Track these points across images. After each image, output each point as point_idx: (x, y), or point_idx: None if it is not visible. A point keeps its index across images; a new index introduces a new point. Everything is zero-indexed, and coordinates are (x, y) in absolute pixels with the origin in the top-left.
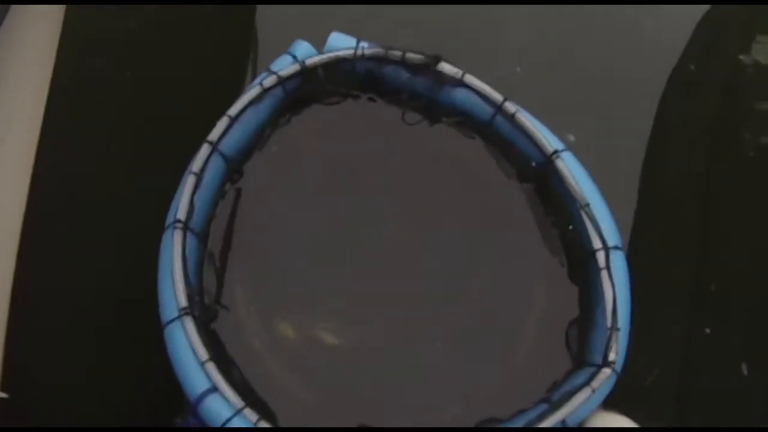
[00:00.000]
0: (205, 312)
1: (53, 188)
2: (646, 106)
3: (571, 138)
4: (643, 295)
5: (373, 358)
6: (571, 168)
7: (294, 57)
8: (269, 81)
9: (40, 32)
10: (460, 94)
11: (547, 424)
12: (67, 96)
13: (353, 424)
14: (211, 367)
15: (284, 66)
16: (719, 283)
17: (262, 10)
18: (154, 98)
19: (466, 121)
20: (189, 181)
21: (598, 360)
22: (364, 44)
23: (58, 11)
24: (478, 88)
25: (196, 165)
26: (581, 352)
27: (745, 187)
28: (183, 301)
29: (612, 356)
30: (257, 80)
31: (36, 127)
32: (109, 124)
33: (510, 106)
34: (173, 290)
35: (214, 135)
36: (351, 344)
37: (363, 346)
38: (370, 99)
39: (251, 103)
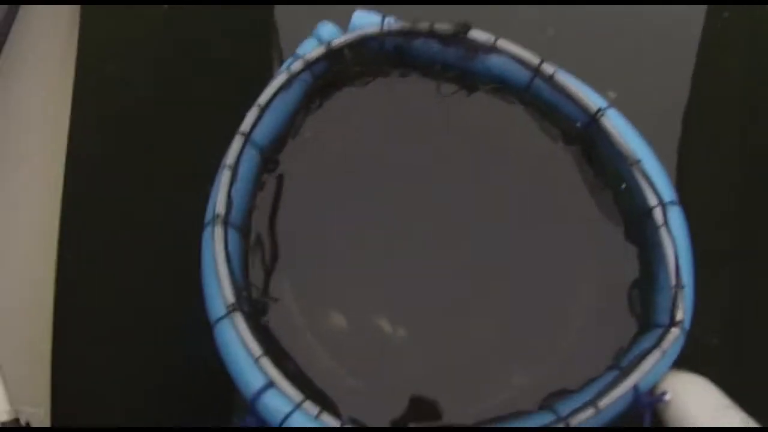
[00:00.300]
0: (253, 307)
1: (88, 190)
2: (683, 55)
3: (612, 95)
4: (700, 250)
5: (429, 340)
6: (617, 125)
7: (319, 39)
8: (296, 66)
9: (58, 36)
10: (494, 61)
11: (619, 391)
12: (91, 97)
13: (413, 410)
14: (265, 362)
15: (310, 49)
16: None
17: None
18: (183, 95)
19: (504, 88)
20: (225, 176)
21: (665, 320)
22: (390, 19)
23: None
24: (513, 52)
25: (230, 158)
26: (646, 313)
27: None
28: (230, 298)
29: (679, 315)
30: (284, 66)
31: (64, 129)
32: (140, 124)
33: (548, 68)
34: (219, 287)
35: (245, 126)
36: (405, 329)
37: (417, 330)
38: (402, 75)
39: (280, 90)
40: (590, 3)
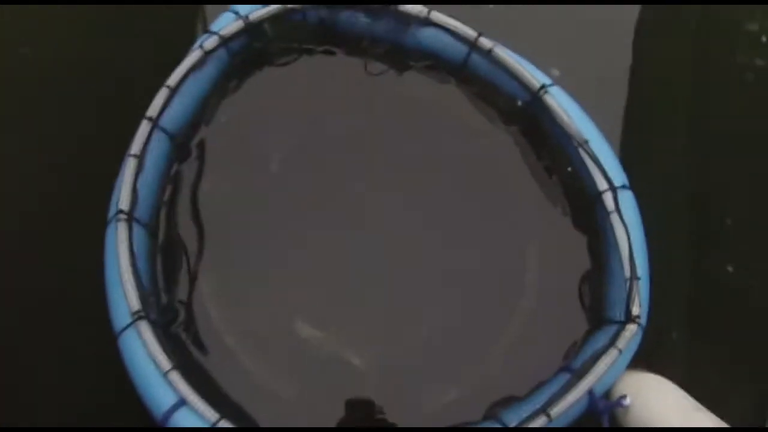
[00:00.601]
0: (163, 314)
1: None
2: (628, 31)
3: (556, 73)
4: (652, 237)
5: (358, 345)
6: (562, 103)
7: (236, 13)
8: (210, 43)
9: None
10: (427, 35)
11: (572, 397)
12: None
13: (341, 418)
14: (175, 376)
15: (226, 24)
16: (735, 215)
17: None
18: (94, 79)
19: (438, 64)
20: (130, 165)
21: (620, 315)
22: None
23: None
24: (448, 25)
25: (135, 146)
26: (598, 308)
27: (743, 103)
28: (135, 304)
29: (635, 310)
30: (197, 43)
31: None
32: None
33: (486, 42)
34: (123, 293)
35: (153, 110)
36: (332, 333)
37: (346, 334)
38: (327, 52)
39: (192, 69)
40: None
